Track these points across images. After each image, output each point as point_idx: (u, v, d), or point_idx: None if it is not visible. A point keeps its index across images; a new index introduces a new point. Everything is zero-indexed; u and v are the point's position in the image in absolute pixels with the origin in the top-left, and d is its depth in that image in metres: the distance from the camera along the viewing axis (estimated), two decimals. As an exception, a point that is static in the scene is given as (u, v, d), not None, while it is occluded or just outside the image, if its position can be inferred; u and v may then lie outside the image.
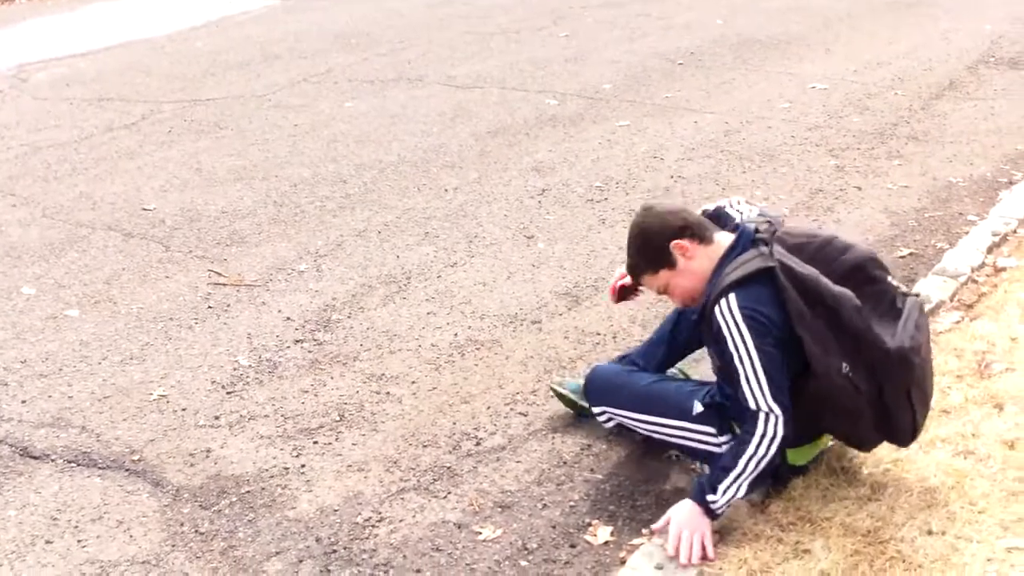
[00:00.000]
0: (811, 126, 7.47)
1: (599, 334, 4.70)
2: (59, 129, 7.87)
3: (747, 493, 3.19)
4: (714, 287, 3.23)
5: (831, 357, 3.13)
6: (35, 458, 3.89)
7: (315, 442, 3.94)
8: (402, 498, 3.61)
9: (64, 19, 12.35)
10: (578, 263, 5.45)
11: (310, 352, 4.61)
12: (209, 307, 5.05)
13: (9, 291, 5.26)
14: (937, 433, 3.65)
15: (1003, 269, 5.17)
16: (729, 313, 3.16)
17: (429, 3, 12.73)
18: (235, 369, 4.49)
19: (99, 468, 3.82)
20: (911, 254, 5.53)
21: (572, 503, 3.56)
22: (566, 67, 9.20)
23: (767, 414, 3.14)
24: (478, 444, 3.90)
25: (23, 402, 4.26)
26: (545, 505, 3.55)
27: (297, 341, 4.71)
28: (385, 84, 8.96)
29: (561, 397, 4.03)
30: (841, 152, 7.04)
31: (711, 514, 3.18)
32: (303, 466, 3.80)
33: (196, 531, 3.47)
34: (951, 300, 4.85)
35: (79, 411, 4.19)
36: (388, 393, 4.27)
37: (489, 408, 4.14)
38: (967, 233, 5.67)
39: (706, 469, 3.48)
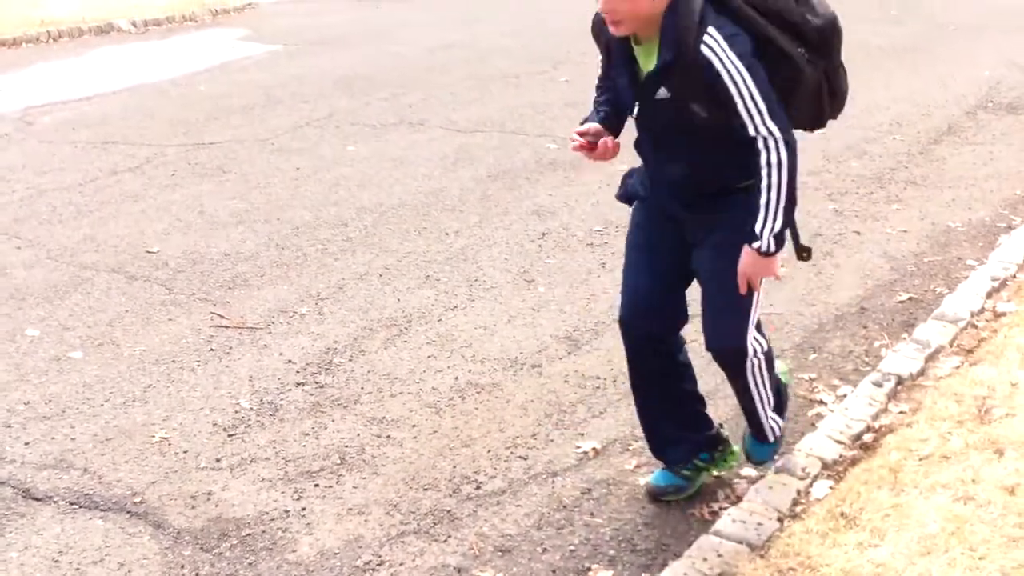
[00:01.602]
0: (810, 171, 7.51)
1: (599, 378, 4.72)
2: (64, 172, 7.92)
3: (785, 225, 3.23)
4: (679, 29, 3.09)
5: (793, 46, 3.23)
6: (37, 500, 3.90)
7: (316, 485, 3.95)
8: (402, 542, 3.62)
9: (70, 64, 12.43)
10: (578, 307, 5.47)
11: (311, 395, 4.63)
12: (211, 350, 5.07)
13: (13, 333, 5.28)
14: (937, 479, 3.66)
15: (1003, 314, 5.20)
16: (717, 45, 3.06)
17: (430, 47, 12.82)
18: (236, 412, 4.50)
19: (101, 510, 3.83)
20: (911, 299, 5.55)
21: (572, 547, 3.56)
22: (566, 111, 9.27)
23: (765, 139, 3.15)
24: (478, 488, 3.91)
25: (26, 444, 4.28)
26: (545, 549, 3.55)
27: (298, 384, 4.73)
28: (386, 128, 9.03)
29: (657, 494, 3.85)
30: (840, 196, 7.08)
31: (768, 252, 3.25)
32: (304, 509, 3.81)
33: (197, 574, 3.48)
34: (951, 345, 4.87)
35: (81, 453, 4.20)
36: (389, 436, 4.28)
37: (489, 452, 4.15)
38: (967, 278, 5.70)
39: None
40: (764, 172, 3.17)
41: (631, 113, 3.36)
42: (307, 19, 15.80)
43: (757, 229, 3.23)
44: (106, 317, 5.44)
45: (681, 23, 3.08)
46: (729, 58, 3.06)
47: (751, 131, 3.13)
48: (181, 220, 6.86)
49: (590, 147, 3.45)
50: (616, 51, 3.30)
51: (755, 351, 3.46)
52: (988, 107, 9.53)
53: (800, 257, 3.45)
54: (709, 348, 3.51)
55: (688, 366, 3.74)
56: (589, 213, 6.85)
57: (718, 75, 3.07)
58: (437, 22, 15.05)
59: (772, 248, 3.25)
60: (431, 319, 5.37)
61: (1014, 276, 5.67)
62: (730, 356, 3.48)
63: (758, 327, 3.48)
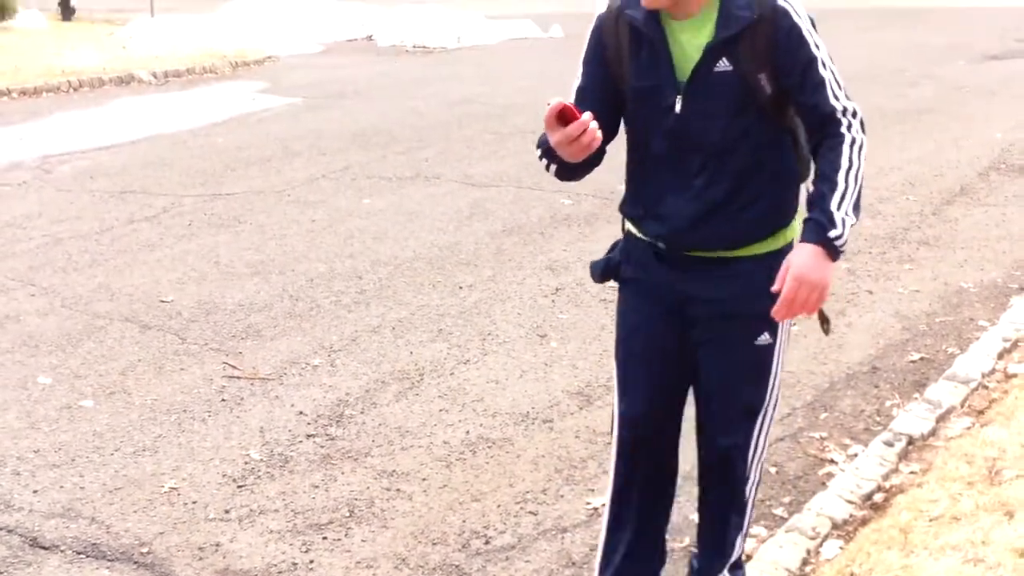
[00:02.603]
0: (823, 230, 7.51)
1: (611, 434, 4.70)
2: (81, 220, 7.98)
3: (854, 223, 2.80)
4: None
5: None
6: (44, 548, 3.90)
7: (324, 538, 3.95)
8: (410, 596, 3.61)
9: (90, 113, 12.57)
10: (591, 362, 5.48)
11: (322, 447, 4.64)
12: (223, 400, 5.09)
13: (25, 380, 5.31)
14: (947, 540, 3.64)
15: (1014, 375, 5.19)
16: (796, 11, 2.80)
17: (448, 102, 12.93)
18: (247, 463, 4.51)
19: (108, 560, 3.83)
20: (922, 359, 5.55)
21: (580, 604, 3.55)
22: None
23: (854, 112, 2.82)
24: (487, 543, 3.91)
25: (35, 492, 4.28)
26: (553, 605, 3.54)
27: (309, 436, 4.74)
28: (402, 182, 9.09)
29: None
30: (853, 256, 7.09)
31: (835, 253, 2.78)
32: (312, 562, 3.80)
33: (203, 625, 3.47)
34: (962, 406, 4.86)
35: (90, 502, 4.20)
36: (399, 490, 4.28)
37: (499, 507, 4.15)
38: (978, 339, 5.70)
39: None
40: (845, 148, 2.80)
41: (670, 107, 2.87)
42: (325, 72, 15.96)
43: (830, 208, 2.75)
44: (118, 366, 5.46)
45: None
46: (804, 17, 2.82)
47: (831, 100, 2.80)
48: (196, 270, 6.91)
49: (578, 128, 2.68)
50: (642, 43, 2.89)
51: (761, 454, 3.17)
52: (1000, 169, 9.56)
53: (822, 328, 3.06)
54: (714, 449, 3.16)
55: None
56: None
57: (797, 28, 2.79)
58: (454, 78, 15.19)
59: (845, 240, 2.78)
60: (443, 372, 5.38)
61: (1026, 338, 5.67)
62: (734, 463, 3.14)
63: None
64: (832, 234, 2.75)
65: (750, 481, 3.19)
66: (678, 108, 2.85)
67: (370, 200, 8.52)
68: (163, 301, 6.36)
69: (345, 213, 8.16)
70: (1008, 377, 5.19)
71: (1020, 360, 5.38)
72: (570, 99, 2.90)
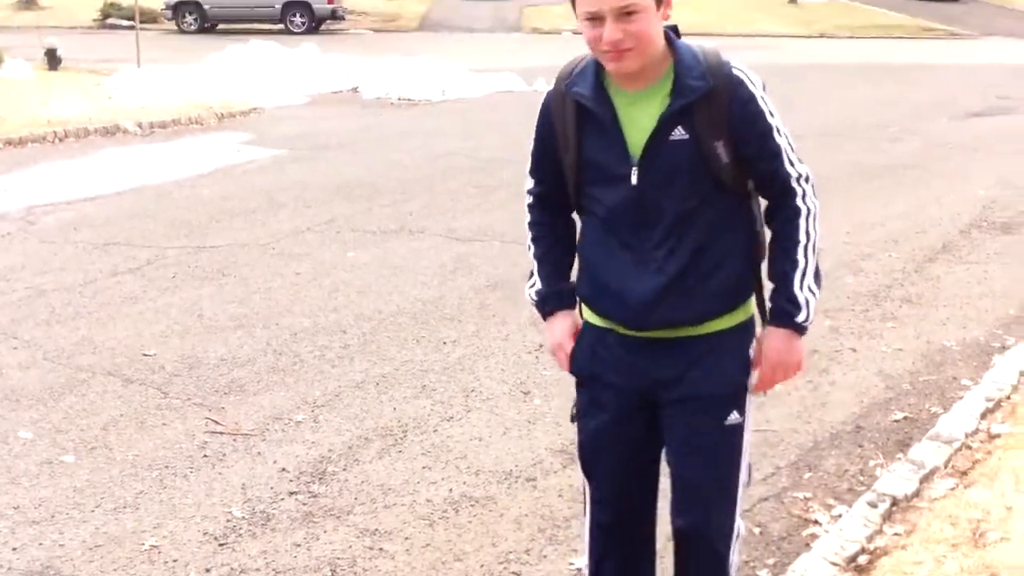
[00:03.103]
0: (807, 287, 7.54)
1: (584, 506, 4.69)
2: (64, 272, 7.96)
3: (816, 295, 2.91)
4: (705, 54, 2.83)
5: None
6: (23, 608, 3.86)
7: (306, 598, 3.92)
8: (392, 658, 3.57)
9: (75, 164, 12.58)
10: (574, 419, 5.46)
11: (304, 504, 4.61)
12: (205, 456, 5.06)
13: (6, 435, 5.27)
14: (931, 603, 3.63)
15: (997, 436, 5.19)
16: (750, 80, 2.83)
17: (432, 155, 12.99)
18: (228, 520, 4.47)
19: (87, 620, 3.79)
20: (905, 418, 5.56)
21: (563, 667, 3.52)
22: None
23: (807, 177, 2.88)
24: (470, 604, 3.88)
25: (14, 549, 4.24)
26: (536, 669, 3.51)
27: (292, 493, 4.71)
28: (387, 235, 9.10)
29: None
30: (836, 313, 7.12)
31: (803, 331, 2.94)
32: (293, 622, 3.77)
33: None
34: (945, 466, 4.86)
35: (69, 560, 4.17)
36: (381, 549, 4.25)
37: (482, 567, 4.12)
38: (961, 398, 5.71)
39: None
40: (802, 221, 2.88)
41: (624, 179, 2.85)
42: (311, 125, 16.02)
43: (794, 291, 2.87)
44: (100, 420, 5.43)
45: (701, 50, 2.85)
46: (758, 86, 2.85)
47: (786, 167, 2.85)
48: (179, 323, 6.89)
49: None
50: (590, 119, 2.88)
51: (738, 532, 3.14)
52: (982, 226, 9.63)
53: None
54: (687, 533, 3.10)
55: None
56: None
57: (753, 98, 2.82)
58: (439, 131, 15.26)
59: (811, 318, 2.91)
60: (427, 429, 5.36)
61: (1008, 397, 5.68)
62: (715, 543, 3.08)
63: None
64: (799, 319, 2.90)
65: (730, 558, 3.14)
66: (634, 179, 2.84)
67: (354, 253, 8.52)
68: (146, 355, 6.34)
69: (330, 266, 8.16)
70: (991, 437, 5.19)
71: (1003, 420, 5.39)
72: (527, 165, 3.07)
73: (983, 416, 5.41)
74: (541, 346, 6.49)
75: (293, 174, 11.85)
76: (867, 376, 6.11)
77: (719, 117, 2.79)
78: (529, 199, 3.15)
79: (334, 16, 36.26)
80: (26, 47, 22.75)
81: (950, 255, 8.66)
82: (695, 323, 2.91)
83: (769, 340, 2.96)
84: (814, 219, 2.90)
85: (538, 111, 3.04)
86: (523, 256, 8.23)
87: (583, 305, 3.10)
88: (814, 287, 2.90)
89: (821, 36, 38.04)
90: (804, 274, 2.88)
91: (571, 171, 2.95)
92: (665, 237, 2.85)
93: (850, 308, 7.27)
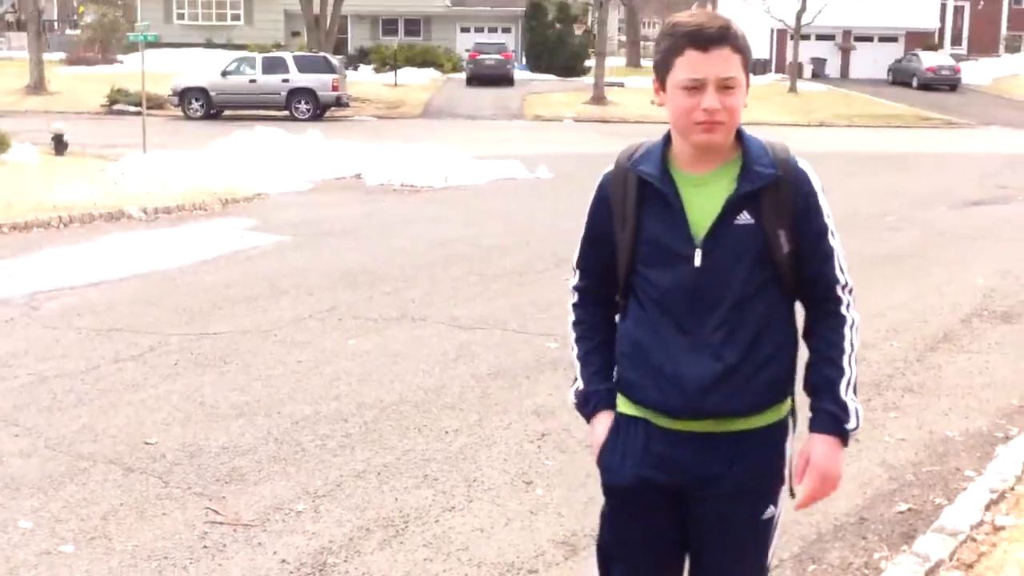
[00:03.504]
0: (808, 376, 7.55)
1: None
2: (67, 359, 7.97)
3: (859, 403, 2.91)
4: (772, 145, 2.91)
5: None
6: None
7: None
8: None
9: (79, 249, 12.65)
10: (576, 511, 5.44)
11: (304, 597, 4.57)
12: (205, 547, 5.03)
13: (5, 524, 5.24)
14: None
15: (1002, 528, 5.17)
16: (814, 178, 2.88)
17: (434, 242, 13.06)
18: (228, 613, 4.44)
19: None
20: (910, 509, 5.53)
21: None
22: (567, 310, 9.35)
23: (845, 286, 2.92)
24: None
25: (11, 642, 4.21)
26: None
27: (292, 585, 4.67)
28: (389, 322, 9.12)
29: None
30: (838, 403, 7.09)
31: (847, 441, 2.91)
32: None
33: None
34: (951, 559, 4.83)
35: (67, 653, 4.13)
36: (381, 642, 4.21)
37: (483, 661, 4.08)
38: (965, 489, 5.68)
39: None
40: (847, 330, 2.91)
41: (687, 260, 2.85)
42: (314, 211, 16.14)
43: (843, 398, 2.86)
44: (100, 510, 5.41)
45: (768, 141, 2.91)
46: (819, 186, 2.91)
47: (836, 270, 2.90)
48: (181, 411, 6.88)
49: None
50: (653, 197, 2.90)
51: None
52: (983, 315, 9.65)
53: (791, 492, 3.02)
54: None
55: None
56: (588, 414, 6.85)
57: (815, 194, 2.88)
58: (442, 218, 15.36)
59: (859, 427, 2.91)
60: (428, 520, 5.33)
61: (1012, 488, 5.65)
62: None
63: None
64: (849, 426, 2.87)
65: None
66: (698, 261, 2.84)
67: (356, 341, 8.53)
68: (147, 443, 6.32)
69: (331, 354, 8.17)
70: (996, 529, 5.17)
71: (1008, 512, 5.36)
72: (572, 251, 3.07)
73: (987, 508, 5.39)
74: (543, 435, 6.48)
75: (296, 260, 11.91)
76: (870, 467, 6.09)
77: (785, 206, 2.84)
78: (574, 297, 3.14)
79: (338, 103, 36.71)
80: (34, 132, 23.00)
81: (951, 344, 8.68)
82: (746, 414, 2.88)
83: (817, 449, 2.90)
84: (857, 330, 2.93)
85: (593, 195, 3.05)
86: (525, 345, 8.32)
87: (619, 394, 3.04)
88: (856, 397, 2.90)
89: (821, 125, 38.43)
90: (850, 383, 2.88)
91: (626, 250, 2.93)
92: (723, 322, 2.84)
93: (852, 398, 7.25)
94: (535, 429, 6.59)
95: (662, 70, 2.85)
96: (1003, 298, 10.34)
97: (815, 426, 2.90)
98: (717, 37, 2.78)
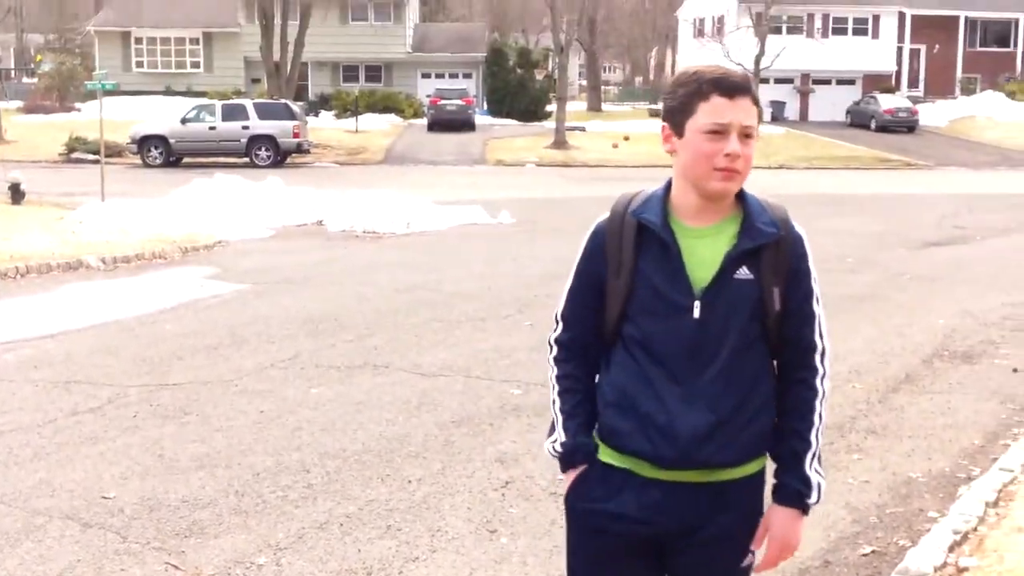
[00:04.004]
0: (772, 419, 7.56)
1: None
2: (23, 412, 7.86)
3: (822, 475, 2.96)
4: (771, 204, 2.97)
5: None
6: None
7: None
8: None
9: (37, 300, 12.52)
10: (541, 559, 5.40)
11: (265, 653, 4.50)
12: (164, 603, 4.95)
13: (-41, 583, 5.15)
14: None
15: (965, 569, 5.17)
16: (806, 239, 2.95)
17: (396, 289, 13.02)
18: (187, 671, 4.36)
19: None
20: (873, 552, 5.53)
21: None
22: (530, 356, 9.35)
23: (823, 354, 2.96)
24: None
25: None
26: None
27: (252, 641, 4.60)
28: (351, 371, 9.07)
29: None
30: (802, 446, 7.10)
31: (807, 512, 2.97)
32: None
33: None
34: (915, 603, 4.82)
35: None
36: None
37: None
38: (929, 531, 5.70)
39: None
40: (817, 403, 2.96)
41: (686, 312, 2.86)
42: (275, 258, 16.07)
43: (807, 472, 2.92)
44: (56, 567, 5.31)
45: (765, 200, 2.97)
46: (808, 246, 2.97)
47: (815, 335, 2.95)
48: (140, 464, 6.79)
49: None
50: (652, 246, 2.90)
51: None
52: (944, 356, 9.71)
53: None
54: None
55: None
56: (552, 461, 6.80)
57: (807, 258, 2.95)
58: (403, 264, 15.33)
59: (820, 500, 2.97)
60: (391, 571, 5.27)
61: (975, 529, 5.67)
62: None
63: None
64: (811, 501, 2.93)
65: None
66: (697, 313, 2.86)
67: (318, 390, 8.47)
68: (105, 497, 6.23)
69: (293, 403, 8.10)
70: (960, 571, 5.17)
71: (971, 553, 5.37)
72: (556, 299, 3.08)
73: (951, 549, 5.39)
74: (507, 483, 6.44)
75: (257, 308, 11.84)
76: (834, 509, 6.08)
77: (781, 265, 2.90)
78: (555, 351, 3.11)
79: (299, 149, 36.70)
80: (-10, 182, 22.81)
81: (913, 385, 8.72)
82: (735, 465, 2.90)
83: (777, 519, 2.96)
84: (826, 402, 2.98)
85: (585, 242, 3.03)
86: (488, 391, 8.28)
87: (600, 441, 3.02)
88: (820, 469, 2.96)
89: (781, 167, 38.69)
90: (814, 456, 2.94)
91: (619, 298, 2.93)
92: (719, 374, 2.86)
93: (815, 441, 7.26)
94: (499, 477, 6.55)
95: (680, 115, 2.88)
96: (963, 338, 10.41)
97: (778, 498, 2.96)
98: (743, 86, 2.86)
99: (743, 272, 2.87)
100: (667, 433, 2.85)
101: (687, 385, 2.86)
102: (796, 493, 2.93)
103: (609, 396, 2.97)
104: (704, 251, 2.88)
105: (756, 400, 2.90)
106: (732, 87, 2.84)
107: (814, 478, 2.93)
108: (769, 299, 2.89)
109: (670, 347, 2.87)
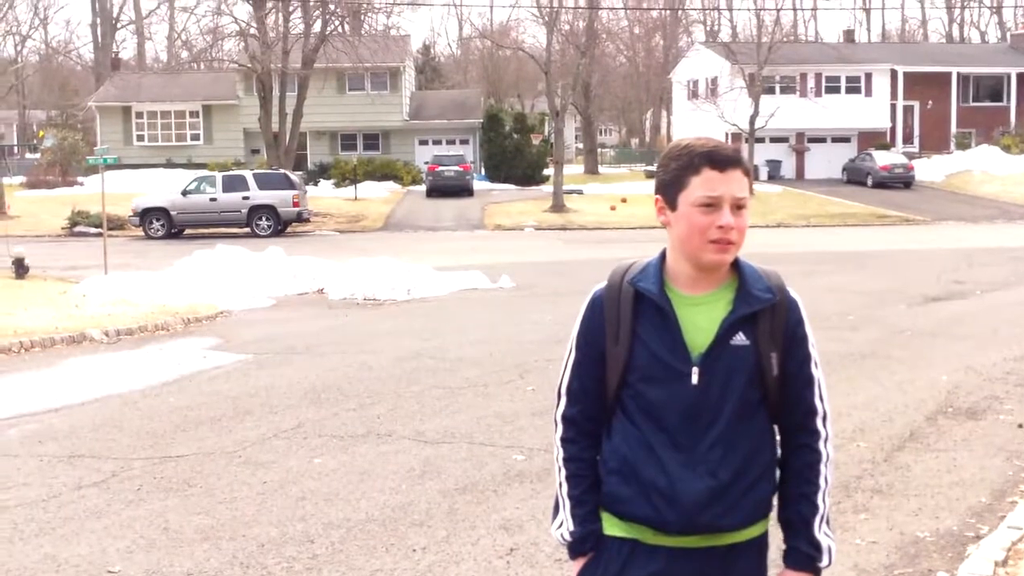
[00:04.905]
0: (777, 480, 7.54)
1: None
2: (28, 487, 7.85)
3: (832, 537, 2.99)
4: (767, 272, 3.01)
5: None
6: None
7: None
8: None
9: (41, 375, 12.54)
10: (548, 627, 5.37)
11: None
12: None
13: (-36, 663, 5.12)
14: None
15: (976, 630, 5.14)
16: (801, 304, 3.00)
17: (398, 357, 13.03)
18: None
19: None
20: (883, 614, 5.49)
21: None
22: (533, 421, 9.35)
23: (824, 418, 2.99)
24: None
25: None
26: None
27: None
28: (355, 439, 9.05)
29: None
30: (808, 507, 7.08)
31: (818, 575, 2.98)
32: None
33: None
34: (926, 664, 4.79)
35: None
36: None
37: None
38: (938, 591, 5.66)
39: None
40: (822, 467, 2.98)
41: (685, 378, 2.90)
42: (277, 327, 16.10)
43: (816, 536, 2.94)
44: (63, 644, 5.29)
45: (760, 267, 3.01)
46: (805, 311, 3.02)
47: (815, 398, 2.98)
48: (144, 537, 6.77)
49: None
50: (649, 314, 2.94)
51: None
52: (948, 412, 9.69)
53: None
54: None
55: None
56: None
57: (803, 323, 2.99)
58: (405, 331, 15.35)
59: (831, 563, 2.97)
60: (398, 642, 5.24)
61: (985, 589, 5.64)
62: None
63: None
64: (822, 564, 2.95)
65: None
66: (695, 379, 2.89)
67: (321, 460, 8.46)
68: (110, 571, 6.21)
69: (296, 474, 8.08)
70: (970, 632, 5.14)
71: (981, 613, 5.34)
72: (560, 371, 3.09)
73: (961, 610, 5.36)
74: (512, 550, 6.42)
75: (259, 379, 11.84)
76: (842, 571, 6.05)
77: (778, 331, 2.94)
78: (562, 429, 3.10)
79: (299, 218, 36.90)
80: (-7, 257, 22.90)
81: (918, 443, 8.70)
82: (738, 528, 2.92)
83: None
84: (831, 464, 3.00)
85: (583, 312, 3.05)
86: (492, 458, 8.27)
87: (603, 509, 3.03)
88: (829, 531, 2.97)
89: (779, 225, 38.92)
90: (823, 519, 2.96)
91: (618, 365, 2.96)
92: (718, 439, 2.89)
93: (821, 501, 7.24)
94: (503, 544, 6.53)
95: (673, 189, 2.94)
96: (967, 394, 10.40)
97: (789, 562, 2.98)
98: (734, 159, 2.92)
99: (740, 338, 2.91)
100: (670, 498, 2.87)
101: (687, 451, 2.89)
102: (807, 557, 2.95)
103: (611, 463, 2.99)
104: (701, 318, 2.92)
105: (758, 464, 2.93)
106: (723, 160, 2.89)
107: (824, 541, 2.96)
108: (767, 364, 2.92)
109: (670, 413, 2.90)
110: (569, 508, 3.06)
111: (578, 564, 3.05)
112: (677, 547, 2.91)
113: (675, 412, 2.90)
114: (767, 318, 2.93)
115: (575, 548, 3.05)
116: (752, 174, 2.99)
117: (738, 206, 2.90)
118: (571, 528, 3.04)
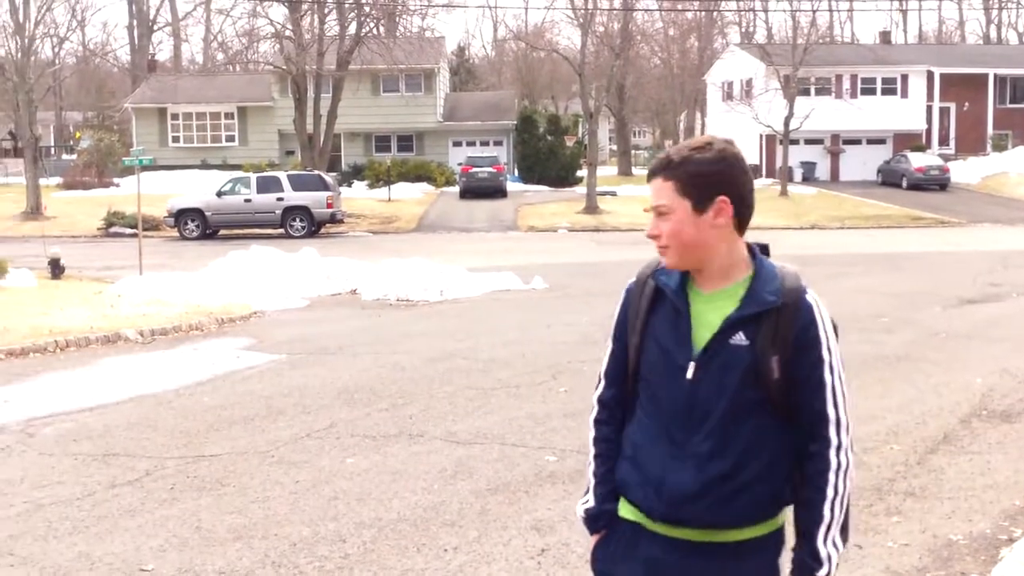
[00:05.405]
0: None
1: None
2: (62, 486, 7.92)
3: (843, 547, 2.96)
4: (785, 274, 2.98)
5: None
6: None
7: None
8: None
9: (76, 374, 12.64)
10: (578, 628, 5.37)
11: None
12: (202, 676, 4.95)
13: (-1, 659, 5.17)
14: None
15: (1010, 634, 5.10)
16: (821, 311, 2.94)
17: (431, 357, 13.05)
18: None
19: None
20: (916, 617, 5.46)
21: None
22: (565, 422, 9.35)
23: (838, 426, 2.93)
24: None
25: None
26: None
27: None
28: (387, 440, 9.09)
29: None
30: (840, 509, 7.05)
31: None
32: None
33: None
34: (959, 668, 4.76)
35: None
36: None
37: None
38: (971, 595, 5.63)
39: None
40: (831, 475, 2.93)
41: (682, 371, 2.95)
42: (310, 328, 16.16)
43: (818, 547, 2.92)
44: (96, 641, 5.34)
45: (783, 270, 3.00)
46: (826, 320, 2.96)
47: (828, 407, 2.93)
48: (177, 536, 6.82)
49: None
50: (664, 306, 3.02)
51: None
52: (982, 415, 9.62)
53: None
54: None
55: None
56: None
57: (815, 326, 2.93)
58: (438, 332, 15.38)
59: (832, 574, 2.94)
60: (428, 642, 5.26)
61: (1019, 593, 5.60)
62: None
63: None
64: (819, 574, 2.92)
65: None
66: (689, 374, 2.95)
67: (354, 459, 8.49)
68: (143, 570, 6.26)
69: (329, 473, 8.12)
70: (1004, 636, 5.10)
71: (1015, 617, 5.30)
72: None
73: (995, 614, 5.33)
74: (543, 551, 6.42)
75: (292, 379, 11.90)
76: (874, 573, 6.03)
77: (783, 335, 2.92)
78: (596, 410, 3.23)
79: (333, 219, 37.03)
80: (31, 257, 23.16)
81: (951, 446, 8.64)
82: (731, 527, 2.95)
83: None
84: (845, 474, 2.95)
85: (620, 302, 3.18)
86: (523, 459, 8.28)
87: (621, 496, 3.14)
88: (838, 541, 2.94)
89: (813, 227, 38.74)
90: (829, 529, 2.93)
91: (634, 356, 3.09)
92: (710, 435, 2.93)
93: (854, 503, 7.16)
94: (535, 545, 6.53)
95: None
96: (1002, 397, 10.32)
97: (791, 569, 3.00)
98: (655, 168, 3.01)
99: (739, 338, 2.94)
100: (657, 488, 2.97)
101: (680, 444, 2.96)
102: (806, 567, 2.95)
103: (625, 449, 3.12)
104: (711, 315, 2.98)
105: (754, 467, 2.93)
106: (650, 173, 3.03)
107: (824, 552, 2.93)
108: (765, 367, 2.92)
109: (669, 405, 2.99)
110: (593, 485, 3.20)
111: (594, 539, 3.19)
112: (674, 537, 2.98)
113: (672, 404, 2.98)
114: (771, 320, 2.93)
115: (590, 524, 3.19)
116: (687, 176, 2.94)
117: (659, 212, 2.99)
118: (590, 504, 3.18)
